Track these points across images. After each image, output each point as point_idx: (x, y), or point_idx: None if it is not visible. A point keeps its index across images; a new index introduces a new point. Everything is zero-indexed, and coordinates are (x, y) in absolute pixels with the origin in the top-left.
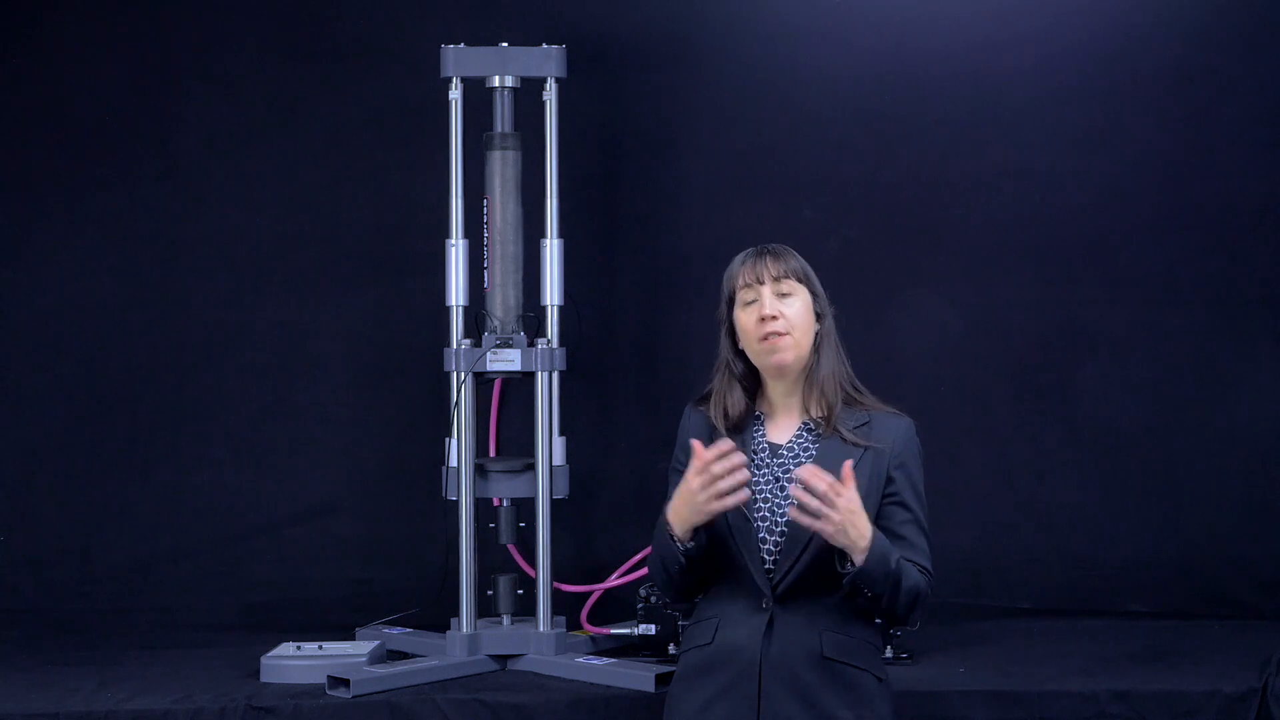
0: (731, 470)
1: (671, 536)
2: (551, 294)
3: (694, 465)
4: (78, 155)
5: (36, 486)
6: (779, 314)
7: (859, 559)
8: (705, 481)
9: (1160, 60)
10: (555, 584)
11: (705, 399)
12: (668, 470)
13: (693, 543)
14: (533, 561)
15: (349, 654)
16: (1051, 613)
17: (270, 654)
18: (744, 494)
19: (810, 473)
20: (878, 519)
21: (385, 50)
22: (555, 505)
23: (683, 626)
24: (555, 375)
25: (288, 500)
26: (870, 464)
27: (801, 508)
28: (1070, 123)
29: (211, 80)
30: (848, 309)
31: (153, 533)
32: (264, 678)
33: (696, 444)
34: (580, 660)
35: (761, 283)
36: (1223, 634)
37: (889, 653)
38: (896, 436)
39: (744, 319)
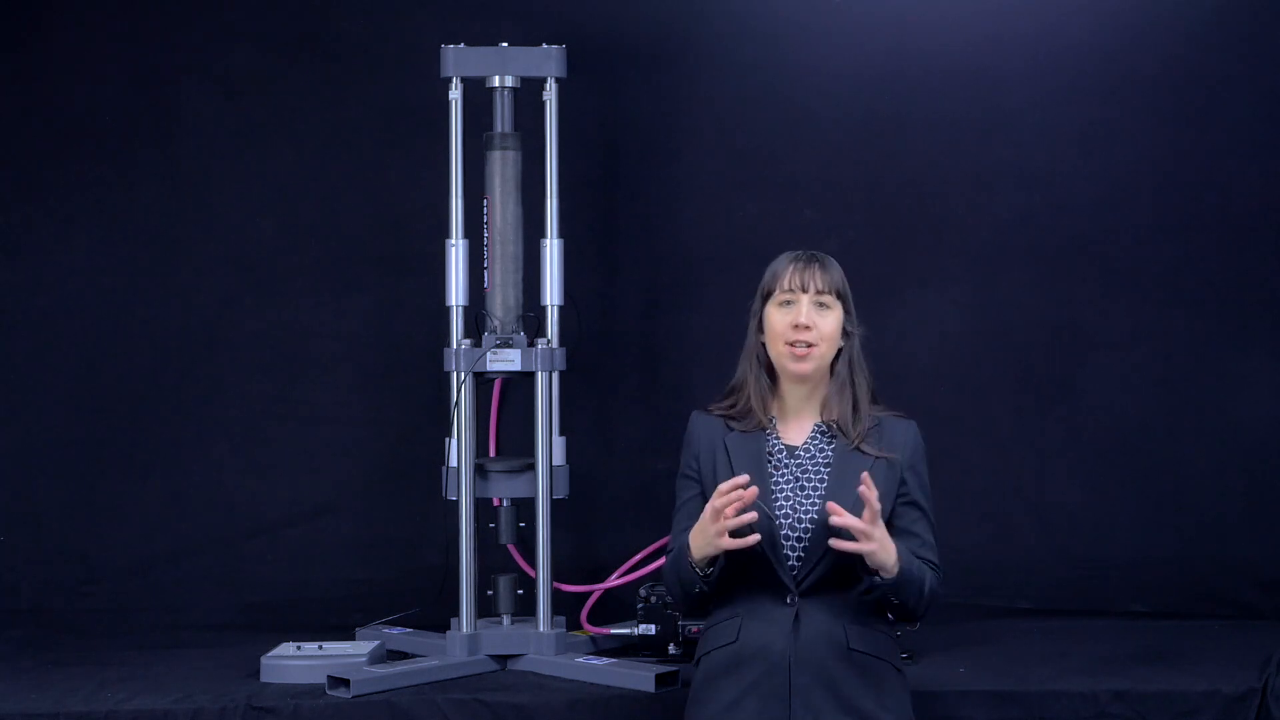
0: (741, 505)
1: (692, 564)
2: (551, 294)
3: (713, 499)
4: (78, 155)
5: (36, 486)
6: (813, 324)
7: (892, 568)
8: (715, 516)
9: (1160, 60)
10: (555, 584)
11: (719, 403)
12: (676, 476)
13: (712, 569)
14: (533, 561)
15: (349, 654)
16: (1051, 613)
17: (270, 654)
18: (753, 538)
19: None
20: (891, 518)
21: (385, 50)
22: (555, 505)
23: (683, 627)
24: (555, 375)
25: (288, 500)
26: (884, 471)
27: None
28: (1070, 123)
29: (211, 80)
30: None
31: (153, 533)
32: (264, 678)
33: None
34: (580, 660)
35: (805, 291)
36: (1223, 634)
37: None
38: (906, 441)
39: (776, 317)
